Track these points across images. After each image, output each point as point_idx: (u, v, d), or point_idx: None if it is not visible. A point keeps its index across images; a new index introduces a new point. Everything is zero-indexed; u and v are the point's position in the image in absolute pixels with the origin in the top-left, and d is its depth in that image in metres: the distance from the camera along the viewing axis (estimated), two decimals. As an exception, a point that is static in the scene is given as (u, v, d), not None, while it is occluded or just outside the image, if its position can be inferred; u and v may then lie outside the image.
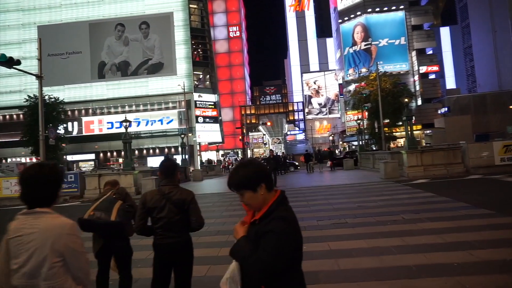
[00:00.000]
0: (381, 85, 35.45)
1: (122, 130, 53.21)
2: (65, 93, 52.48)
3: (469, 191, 11.28)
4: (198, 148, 54.18)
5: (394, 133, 41.98)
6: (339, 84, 61.38)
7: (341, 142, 66.31)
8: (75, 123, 53.12)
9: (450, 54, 74.05)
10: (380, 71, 38.52)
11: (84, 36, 53.03)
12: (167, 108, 52.94)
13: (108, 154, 54.11)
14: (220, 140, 56.71)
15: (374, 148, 40.03)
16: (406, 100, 18.30)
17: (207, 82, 56.16)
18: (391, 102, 38.21)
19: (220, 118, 59.10)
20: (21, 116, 47.14)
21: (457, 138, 33.44)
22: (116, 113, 53.60)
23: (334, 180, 19.17)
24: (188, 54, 52.52)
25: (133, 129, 52.74)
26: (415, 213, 8.29)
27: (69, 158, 50.51)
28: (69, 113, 51.04)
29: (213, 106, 55.09)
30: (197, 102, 52.86)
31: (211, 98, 54.85)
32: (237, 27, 76.77)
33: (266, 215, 1.86)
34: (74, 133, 52.37)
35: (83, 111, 53.29)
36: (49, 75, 53.05)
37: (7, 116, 52.95)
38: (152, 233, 3.18)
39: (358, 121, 32.55)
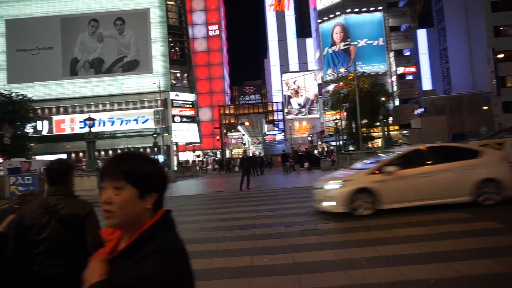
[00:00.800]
0: (359, 85, 35.38)
1: (96, 129, 51.59)
2: (35, 90, 50.21)
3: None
4: (175, 149, 52.88)
5: (372, 134, 42.10)
6: (318, 84, 61.31)
7: (320, 143, 66.31)
8: (45, 122, 50.86)
9: (426, 56, 75.40)
10: (359, 71, 38.51)
11: (56, 31, 50.85)
12: (143, 107, 51.43)
13: (81, 154, 52.01)
14: (198, 140, 55.55)
15: (352, 149, 40.00)
16: (383, 99, 17.89)
17: (185, 81, 54.90)
18: (369, 103, 38.28)
19: (198, 118, 57.98)
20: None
21: (433, 138, 33.52)
22: (90, 112, 51.70)
23: (309, 181, 18.60)
24: (165, 52, 51.17)
25: (107, 128, 51.09)
26: (390, 218, 7.71)
27: (39, 158, 48.27)
28: (39, 111, 48.82)
29: (190, 106, 53.90)
30: (174, 101, 51.55)
31: (189, 97, 53.65)
32: (217, 25, 75.66)
33: (136, 246, 1.14)
34: (44, 132, 50.11)
35: (54, 110, 51.12)
36: (17, 71, 50.93)
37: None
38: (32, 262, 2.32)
39: (336, 121, 32.19)
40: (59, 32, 50.84)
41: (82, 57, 50.93)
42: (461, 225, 6.71)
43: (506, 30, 48.29)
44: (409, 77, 55.85)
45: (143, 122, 50.56)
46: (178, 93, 52.15)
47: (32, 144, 44.99)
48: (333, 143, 46.71)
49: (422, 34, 76.01)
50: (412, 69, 53.19)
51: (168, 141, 50.86)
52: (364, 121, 38.95)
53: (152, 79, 48.12)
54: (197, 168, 46.68)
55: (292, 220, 8.28)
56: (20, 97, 38.70)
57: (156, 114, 48.81)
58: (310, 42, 76.24)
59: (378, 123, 41.22)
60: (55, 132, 50.57)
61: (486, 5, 48.29)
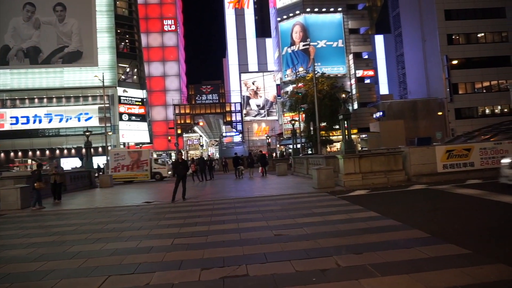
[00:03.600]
0: (318, 87, 33.75)
1: (30, 126, 46.07)
2: (-44, 80, 44.04)
3: (419, 209, 8.74)
4: (122, 149, 48.50)
5: (331, 137, 40.68)
6: (277, 85, 59.51)
7: (278, 145, 64.52)
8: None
9: (383, 61, 76.41)
10: (318, 72, 36.91)
11: (-17, 15, 44.89)
12: (86, 103, 46.71)
13: (12, 154, 46.28)
14: (148, 141, 51.58)
15: (310, 152, 38.26)
16: (343, 96, 15.79)
17: (135, 77, 50.78)
18: (328, 105, 36.79)
19: (149, 117, 53.95)
20: None
21: (391, 143, 32.61)
22: (23, 106, 46.13)
23: (259, 189, 16.11)
24: (112, 44, 46.93)
25: (44, 125, 45.86)
26: (355, 253, 5.31)
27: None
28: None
29: (140, 103, 49.96)
30: (121, 98, 47.41)
31: (138, 94, 49.68)
32: (173, 20, 71.74)
33: None
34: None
35: (-21, 103, 45.06)
36: None
37: None
38: None
39: (293, 122, 30.16)
40: (-12, 16, 44.95)
41: (14, 45, 45.37)
42: (463, 268, 4.45)
43: (459, 38, 49.16)
44: (368, 81, 55.56)
45: (86, 120, 45.93)
46: (126, 89, 48.05)
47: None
48: (291, 146, 44.92)
49: (379, 40, 76.99)
50: (371, 72, 52.87)
51: (114, 141, 46.56)
52: (323, 124, 37.40)
53: (97, 73, 43.68)
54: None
55: (220, 255, 5.64)
56: None
57: (100, 111, 44.34)
58: (270, 43, 74.53)
59: (338, 126, 39.98)
60: (-20, 129, 44.67)
61: (440, 14, 48.95)
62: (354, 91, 50.44)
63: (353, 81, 51.44)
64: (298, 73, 44.02)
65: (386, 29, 76.36)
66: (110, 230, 8.20)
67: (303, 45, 53.42)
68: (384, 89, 74.20)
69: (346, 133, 15.00)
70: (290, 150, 45.31)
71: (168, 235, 7.33)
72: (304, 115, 38.30)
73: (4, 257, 6.25)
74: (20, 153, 46.28)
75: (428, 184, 12.88)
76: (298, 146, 34.21)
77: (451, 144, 18.69)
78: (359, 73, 51.57)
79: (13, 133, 45.02)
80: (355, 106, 50.45)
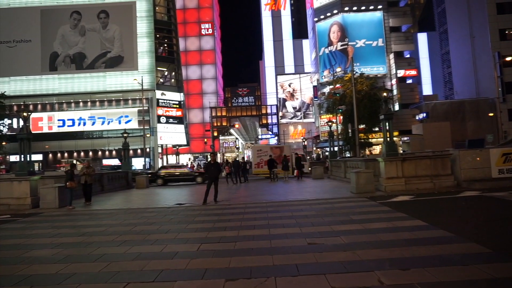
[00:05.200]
0: (357, 87, 32.45)
1: (75, 128, 48.29)
2: (10, 85, 47.14)
3: (473, 219, 7.76)
4: (159, 151, 49.61)
5: (370, 140, 39.06)
6: (314, 87, 58.35)
7: (314, 148, 63.26)
8: (21, 120, 47.53)
9: (427, 60, 72.69)
10: (356, 72, 35.57)
11: (35, 23, 47.79)
12: (126, 106, 48.24)
13: (59, 154, 48.75)
14: (185, 143, 52.31)
15: (348, 155, 36.93)
16: (385, 94, 14.79)
17: (172, 80, 51.78)
18: (368, 106, 35.26)
19: (186, 120, 54.80)
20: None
21: (436, 146, 30.70)
22: (69, 110, 48.48)
23: (293, 193, 15.48)
24: (151, 48, 48.17)
25: (87, 128, 47.86)
26: (401, 268, 4.61)
27: (13, 158, 44.94)
28: (15, 108, 45.48)
29: (177, 106, 50.79)
30: (160, 101, 48.45)
31: (176, 97, 50.57)
32: (210, 24, 72.66)
33: None
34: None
35: (31, 107, 47.74)
36: (-10, 64, 47.68)
37: None
38: None
39: (330, 124, 29.16)
40: (39, 24, 47.78)
41: (62, 52, 47.79)
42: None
43: (512, 33, 45.78)
44: (410, 81, 53.03)
45: (126, 122, 47.35)
46: (164, 92, 49.05)
47: (4, 143, 41.74)
48: (328, 149, 43.73)
49: (422, 38, 73.42)
50: (413, 72, 50.33)
51: (153, 143, 47.67)
52: (362, 126, 35.94)
53: (137, 76, 45.01)
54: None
55: (249, 265, 5.15)
56: (-10, 92, 35.54)
57: (140, 113, 45.55)
58: (306, 44, 73.42)
59: (377, 129, 38.27)
60: (31, 131, 47.16)
61: (491, 7, 45.76)
62: (395, 92, 48.28)
63: (394, 81, 49.25)
64: (335, 74, 42.72)
65: (430, 26, 72.57)
66: (137, 232, 7.97)
67: (341, 45, 51.98)
68: (427, 89, 70.49)
69: (388, 135, 14.03)
70: (327, 153, 44.14)
71: (195, 240, 6.96)
72: (341, 117, 37.03)
73: (30, 257, 6.14)
74: (66, 154, 48.64)
75: (481, 191, 11.66)
76: (335, 148, 33.08)
77: (508, 146, 17.03)
78: (401, 73, 49.30)
79: (60, 135, 47.36)
80: (396, 108, 48.25)
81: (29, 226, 9.58)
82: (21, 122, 38.66)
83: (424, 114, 44.36)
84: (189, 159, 66.91)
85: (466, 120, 45.06)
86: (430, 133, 36.08)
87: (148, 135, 43.58)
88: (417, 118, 46.38)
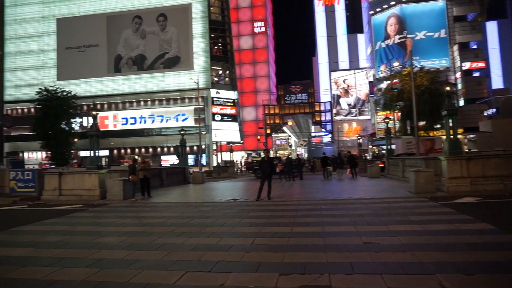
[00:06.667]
0: (417, 82, 30.76)
1: (137, 126, 51.34)
2: (81, 87, 51.18)
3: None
4: (214, 148, 51.09)
5: (430, 137, 36.83)
6: (370, 82, 56.31)
7: (370, 146, 61.14)
8: (90, 118, 51.54)
9: (497, 51, 66.79)
10: (416, 66, 33.71)
11: (101, 29, 51.48)
12: (183, 105, 50.29)
13: (122, 151, 52.20)
14: (239, 140, 53.34)
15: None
16: (448, 88, 13.87)
17: (226, 78, 52.98)
18: (428, 101, 33.31)
19: (240, 117, 55.79)
20: (32, 110, 46.15)
21: (508, 144, 28.13)
22: (131, 108, 51.66)
23: (348, 191, 15.12)
24: (206, 48, 49.66)
25: (148, 125, 50.66)
26: (466, 273, 4.34)
27: (83, 154, 48.99)
28: (85, 107, 49.51)
29: (232, 104, 51.87)
30: (214, 99, 49.83)
31: (230, 95, 51.66)
32: (263, 22, 73.15)
33: None
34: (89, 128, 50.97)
35: (98, 106, 51.57)
36: (66, 68, 52.25)
37: (25, 109, 52.27)
38: None
39: (387, 121, 27.99)
40: (105, 30, 51.38)
41: (125, 54, 51.01)
42: None
43: None
44: (477, 74, 49.06)
45: (183, 120, 49.37)
46: (219, 91, 50.36)
47: (76, 140, 45.47)
48: (385, 147, 42.02)
49: (492, 27, 67.50)
50: (481, 64, 46.43)
51: (208, 140, 49.23)
52: (422, 123, 34.02)
53: (193, 76, 46.68)
54: (235, 169, 44.23)
55: (300, 260, 5.18)
56: (64, 93, 38.89)
57: (196, 111, 47.21)
58: (361, 39, 71.05)
59: (439, 126, 35.97)
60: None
61: None
62: (459, 86, 44.99)
63: (458, 74, 45.90)
64: (393, 68, 40.83)
65: (501, 14, 66.57)
66: (194, 225, 8.33)
67: (399, 38, 49.54)
68: (497, 83, 64.71)
69: (451, 132, 13.15)
70: (384, 151, 42.46)
71: (249, 234, 7.11)
72: (399, 114, 35.38)
73: (99, 243, 6.71)
74: (129, 150, 51.94)
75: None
76: (393, 146, 31.69)
77: None
78: (466, 65, 45.78)
79: (123, 132, 50.68)
80: (461, 103, 44.96)
81: (98, 215, 10.43)
82: (91, 121, 41.76)
83: (494, 110, 40.81)
84: (243, 156, 68.09)
85: (543, 116, 40.69)
86: (501, 130, 33.06)
87: (203, 133, 45.02)
88: (485, 114, 42.83)
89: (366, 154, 52.77)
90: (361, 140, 59.05)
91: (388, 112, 37.57)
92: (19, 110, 53.00)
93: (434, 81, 35.75)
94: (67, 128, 38.77)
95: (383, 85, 47.11)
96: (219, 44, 53.14)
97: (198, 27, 49.70)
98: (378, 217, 8.30)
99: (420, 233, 6.48)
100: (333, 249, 5.66)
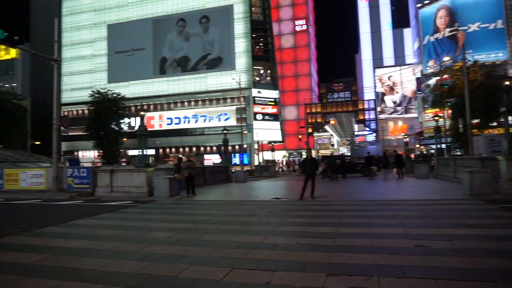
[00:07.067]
0: (470, 76, 28.89)
1: (181, 126, 52.91)
2: (130, 89, 53.65)
3: None
4: (256, 147, 51.42)
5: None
6: (417, 79, 53.79)
7: (417, 145, 58.45)
8: (138, 119, 53.90)
9: None
10: (469, 60, 31.67)
11: (148, 33, 53.64)
12: (225, 105, 51.12)
13: (167, 150, 54.07)
14: (280, 139, 53.25)
15: (459, 153, 33.27)
16: (507, 83, 12.89)
17: (268, 78, 53.12)
18: (483, 97, 31.14)
19: (281, 117, 55.67)
20: (85, 111, 49.08)
21: None
22: (176, 109, 53.36)
23: (395, 192, 14.56)
24: (247, 48, 50.09)
25: (191, 125, 52.08)
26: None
27: (130, 152, 51.37)
28: (133, 108, 51.91)
29: (273, 103, 51.92)
30: (256, 99, 50.14)
31: (271, 94, 51.74)
32: (304, 20, 72.42)
33: None
34: (136, 128, 53.27)
35: (145, 107, 53.80)
36: (116, 71, 55.09)
37: (80, 111, 55.84)
38: None
39: (436, 119, 26.59)
40: (151, 33, 53.49)
41: (170, 56, 52.79)
42: None
43: None
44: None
45: (225, 120, 50.18)
46: (260, 90, 50.60)
47: (125, 139, 47.75)
48: (434, 146, 39.94)
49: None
50: (544, 56, 42.82)
51: (249, 139, 49.65)
52: (475, 121, 31.91)
53: (235, 76, 47.30)
54: (277, 168, 44.19)
55: (347, 260, 5.04)
56: (114, 95, 40.98)
57: (237, 111, 47.82)
58: (408, 33, 68.13)
59: (495, 124, 33.55)
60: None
61: None
62: (518, 81, 41.68)
63: (517, 68, 42.59)
64: (443, 63, 38.68)
65: None
66: (239, 223, 8.42)
67: (450, 31, 46.87)
68: (563, 76, 59.28)
69: (510, 130, 12.22)
70: (432, 151, 40.37)
71: (294, 233, 7.06)
72: (450, 111, 33.44)
73: (148, 238, 6.98)
74: (173, 149, 53.71)
75: None
76: (443, 146, 30.03)
77: None
78: (527, 57, 42.41)
79: (168, 132, 52.50)
80: (520, 99, 41.62)
81: (147, 212, 10.88)
82: (138, 121, 43.24)
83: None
84: (284, 155, 67.91)
85: None
86: None
87: (245, 132, 45.45)
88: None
89: (413, 154, 50.47)
90: (407, 139, 56.72)
91: (438, 109, 35.66)
92: (75, 112, 56.63)
93: (490, 76, 33.38)
94: (116, 128, 40.74)
95: (432, 81, 44.78)
96: (261, 44, 53.39)
97: (240, 28, 50.23)
98: (429, 220, 7.90)
99: (477, 238, 6.08)
100: (381, 251, 5.46)
